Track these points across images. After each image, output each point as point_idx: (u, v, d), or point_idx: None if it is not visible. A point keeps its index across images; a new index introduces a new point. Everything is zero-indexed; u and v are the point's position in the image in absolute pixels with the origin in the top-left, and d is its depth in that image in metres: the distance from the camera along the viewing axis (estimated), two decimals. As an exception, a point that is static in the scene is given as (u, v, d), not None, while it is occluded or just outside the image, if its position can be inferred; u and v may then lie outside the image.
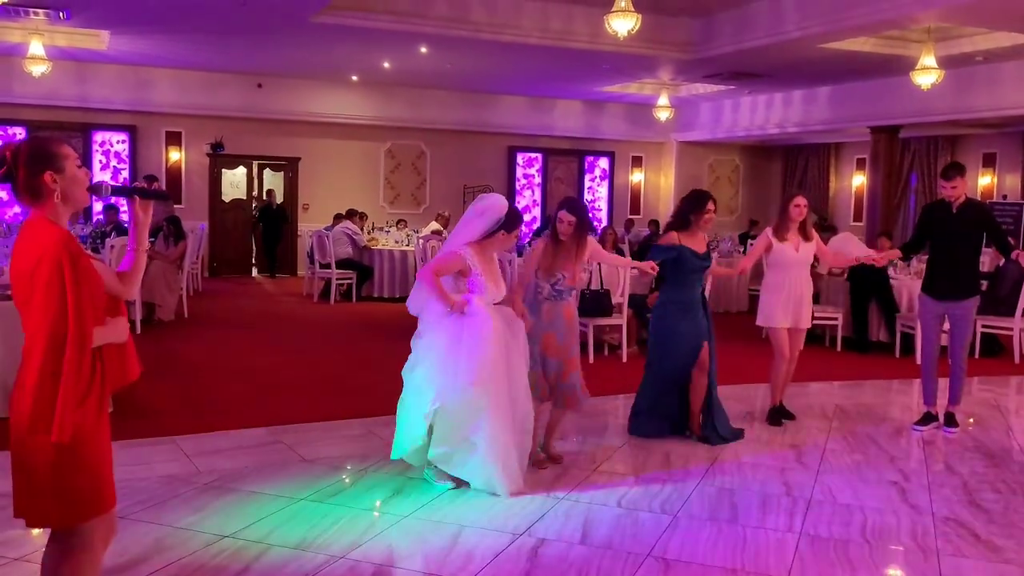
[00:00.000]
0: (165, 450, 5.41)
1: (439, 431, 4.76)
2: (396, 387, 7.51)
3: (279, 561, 3.85)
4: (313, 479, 4.96)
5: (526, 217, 18.42)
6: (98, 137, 15.40)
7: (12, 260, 2.65)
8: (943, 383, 6.58)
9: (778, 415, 6.58)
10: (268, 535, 4.12)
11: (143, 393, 6.27)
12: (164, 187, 13.94)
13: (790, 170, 20.06)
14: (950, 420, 6.52)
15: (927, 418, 6.55)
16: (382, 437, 5.86)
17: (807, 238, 6.43)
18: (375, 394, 7.17)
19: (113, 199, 10.88)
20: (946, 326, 6.67)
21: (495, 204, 4.88)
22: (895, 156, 15.41)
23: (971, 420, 6.85)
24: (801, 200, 6.41)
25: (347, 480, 5.04)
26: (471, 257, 4.78)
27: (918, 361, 9.13)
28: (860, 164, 18.09)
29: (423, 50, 12.54)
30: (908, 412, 7.42)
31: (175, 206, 14.36)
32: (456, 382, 4.67)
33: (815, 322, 10.29)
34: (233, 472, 5.02)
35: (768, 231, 6.53)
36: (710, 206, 5.92)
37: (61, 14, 10.86)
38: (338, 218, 13.99)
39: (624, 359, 8.87)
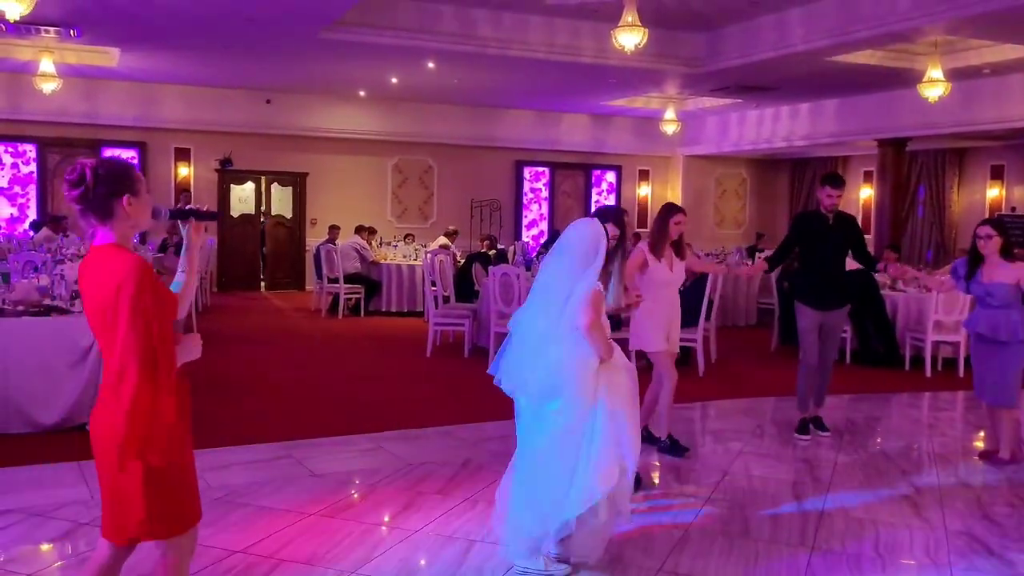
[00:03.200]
0: (175, 465, 5.41)
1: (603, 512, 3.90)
2: (405, 401, 7.55)
3: (290, 577, 3.85)
4: (323, 494, 4.95)
5: (532, 232, 18.46)
6: (108, 153, 15.46)
7: (87, 288, 2.70)
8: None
9: (679, 448, 5.96)
10: (278, 551, 4.12)
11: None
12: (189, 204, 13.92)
13: (797, 183, 20.06)
14: (820, 424, 6.56)
15: (805, 426, 6.51)
16: (391, 452, 5.87)
17: (681, 257, 5.95)
18: (384, 409, 7.18)
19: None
20: None
21: (580, 235, 3.99)
22: (902, 169, 15.40)
23: (981, 433, 6.81)
24: (682, 217, 5.83)
25: (357, 495, 5.04)
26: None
27: (927, 374, 9.16)
28: (867, 177, 18.08)
29: (430, 65, 12.60)
30: (919, 425, 7.40)
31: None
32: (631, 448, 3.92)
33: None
34: (243, 487, 5.01)
35: (643, 246, 5.91)
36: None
37: (72, 32, 10.94)
38: (333, 230, 13.99)
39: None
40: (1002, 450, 5.92)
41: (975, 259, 5.85)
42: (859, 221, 19.07)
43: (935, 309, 9.11)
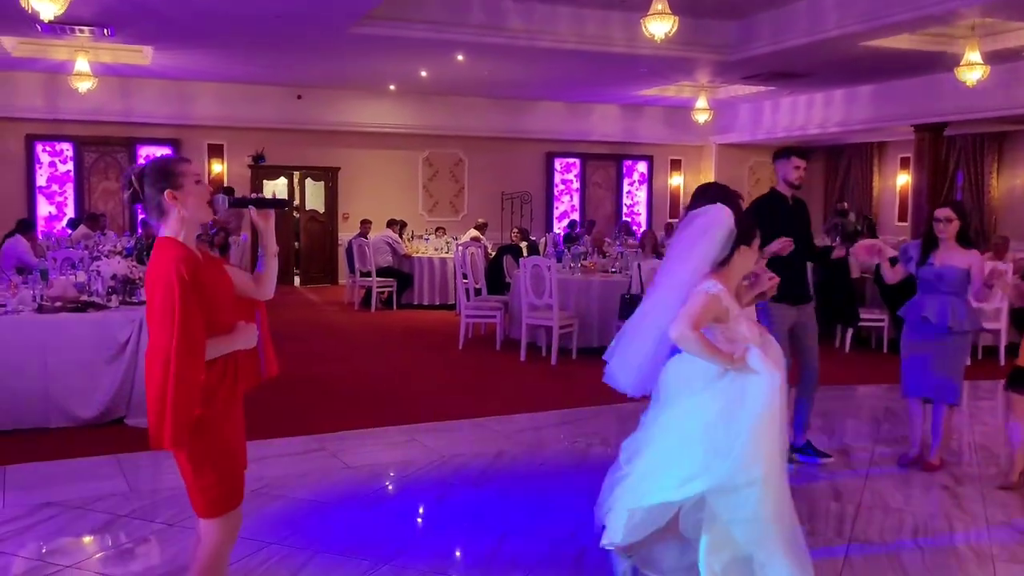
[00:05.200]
0: (211, 458, 5.47)
1: (714, 536, 3.37)
2: (437, 393, 7.57)
3: (325, 568, 3.87)
4: (358, 486, 4.97)
5: (563, 223, 18.41)
6: (143, 151, 15.64)
7: (145, 278, 2.90)
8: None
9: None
10: (314, 542, 4.14)
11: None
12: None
13: (832, 171, 19.79)
14: (813, 448, 5.66)
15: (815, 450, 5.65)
16: (424, 444, 5.88)
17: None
18: (417, 401, 7.20)
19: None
20: None
21: (717, 219, 3.53)
22: (940, 155, 15.13)
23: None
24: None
25: (391, 486, 5.06)
26: (725, 296, 3.47)
27: (967, 363, 8.99)
28: (904, 163, 17.79)
29: (459, 58, 12.59)
30: (959, 415, 7.28)
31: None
32: (735, 467, 3.32)
33: (862, 324, 10.28)
34: (279, 479, 5.05)
35: None
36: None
37: (105, 31, 11.07)
38: (364, 224, 14.05)
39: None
40: (934, 454, 5.45)
41: (929, 243, 5.48)
42: (896, 209, 18.77)
43: (974, 296, 8.93)
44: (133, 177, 2.82)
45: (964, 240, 5.46)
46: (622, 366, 3.66)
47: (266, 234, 3.11)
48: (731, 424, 3.32)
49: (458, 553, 4.11)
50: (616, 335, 3.78)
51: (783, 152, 5.59)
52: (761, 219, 5.55)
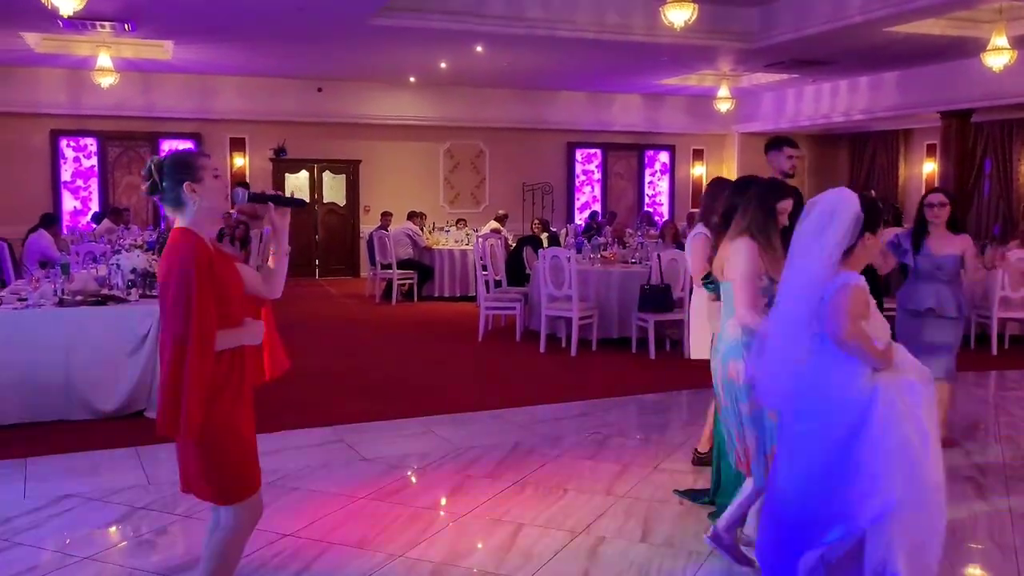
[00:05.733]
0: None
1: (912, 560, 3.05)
2: (456, 385, 7.55)
3: (339, 560, 3.87)
4: (373, 478, 4.97)
5: (585, 214, 18.34)
6: (165, 146, 15.73)
7: (159, 267, 2.94)
8: None
9: None
10: (328, 534, 4.15)
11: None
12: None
13: (857, 159, 19.56)
14: None
15: None
16: (441, 436, 5.88)
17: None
18: (435, 394, 7.20)
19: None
20: None
21: (845, 199, 3.19)
22: (967, 141, 14.89)
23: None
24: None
25: (407, 478, 5.05)
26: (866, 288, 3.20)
27: (993, 352, 8.87)
28: (931, 150, 17.54)
29: (479, 49, 12.54)
30: (985, 405, 7.17)
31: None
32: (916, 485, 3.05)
33: (887, 312, 10.11)
34: (295, 471, 5.06)
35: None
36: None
37: (126, 26, 11.13)
38: (385, 216, 14.06)
39: (687, 355, 8.73)
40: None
41: (920, 230, 5.49)
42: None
43: (1001, 285, 8.81)
44: (153, 168, 2.85)
45: (954, 226, 5.47)
46: (772, 378, 3.34)
47: (281, 232, 3.15)
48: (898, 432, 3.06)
49: (472, 545, 4.09)
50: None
51: (774, 143, 5.54)
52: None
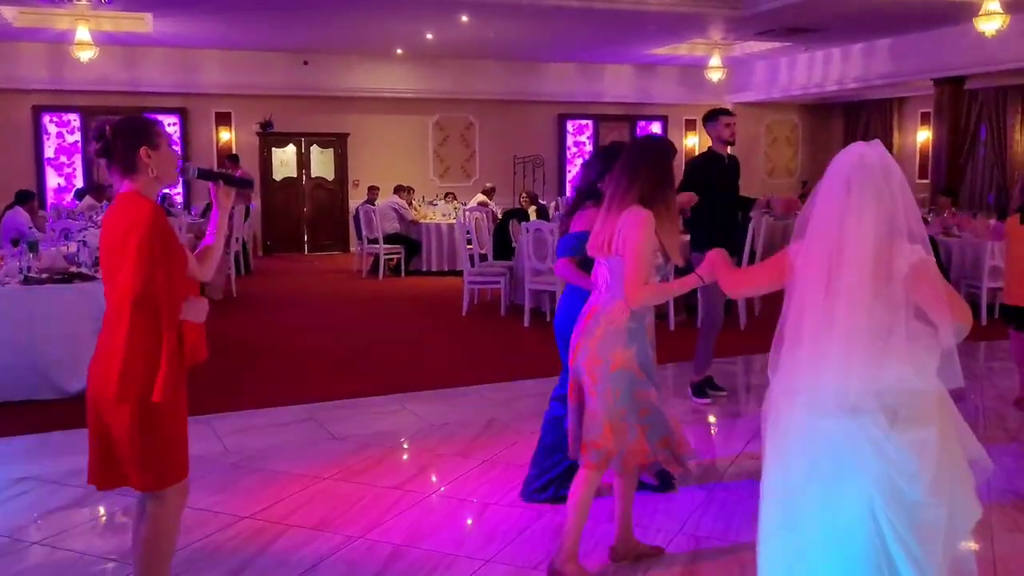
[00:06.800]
0: (197, 430, 5.32)
1: None
2: (436, 361, 7.44)
3: (295, 543, 3.77)
4: (340, 457, 4.87)
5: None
6: (150, 121, 15.51)
7: (104, 233, 2.80)
8: None
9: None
10: (287, 516, 4.04)
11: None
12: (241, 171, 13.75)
13: (851, 128, 19.34)
14: (714, 383, 6.09)
15: (703, 388, 5.99)
16: (415, 412, 5.78)
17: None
18: (414, 369, 7.09)
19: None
20: None
21: (884, 155, 2.62)
22: (961, 109, 14.69)
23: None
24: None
25: (375, 457, 4.94)
26: None
27: (983, 323, 8.76)
28: (925, 119, 17.34)
29: (464, 19, 12.32)
30: (972, 376, 7.06)
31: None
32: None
33: None
34: (261, 451, 4.96)
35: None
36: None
37: (103, -2, 10.93)
38: (372, 191, 13.91)
39: (671, 327, 8.62)
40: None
41: None
42: (916, 165, 18.33)
43: (991, 255, 8.68)
44: (108, 126, 2.76)
45: None
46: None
47: (223, 212, 3.07)
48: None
49: (435, 526, 3.99)
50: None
51: (710, 115, 5.90)
52: (700, 175, 5.78)
